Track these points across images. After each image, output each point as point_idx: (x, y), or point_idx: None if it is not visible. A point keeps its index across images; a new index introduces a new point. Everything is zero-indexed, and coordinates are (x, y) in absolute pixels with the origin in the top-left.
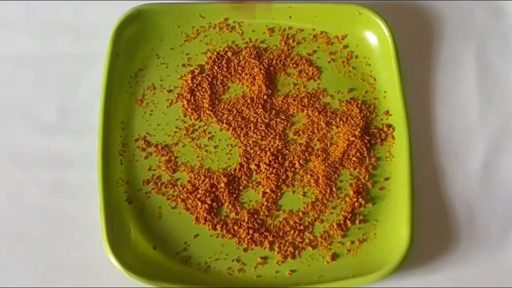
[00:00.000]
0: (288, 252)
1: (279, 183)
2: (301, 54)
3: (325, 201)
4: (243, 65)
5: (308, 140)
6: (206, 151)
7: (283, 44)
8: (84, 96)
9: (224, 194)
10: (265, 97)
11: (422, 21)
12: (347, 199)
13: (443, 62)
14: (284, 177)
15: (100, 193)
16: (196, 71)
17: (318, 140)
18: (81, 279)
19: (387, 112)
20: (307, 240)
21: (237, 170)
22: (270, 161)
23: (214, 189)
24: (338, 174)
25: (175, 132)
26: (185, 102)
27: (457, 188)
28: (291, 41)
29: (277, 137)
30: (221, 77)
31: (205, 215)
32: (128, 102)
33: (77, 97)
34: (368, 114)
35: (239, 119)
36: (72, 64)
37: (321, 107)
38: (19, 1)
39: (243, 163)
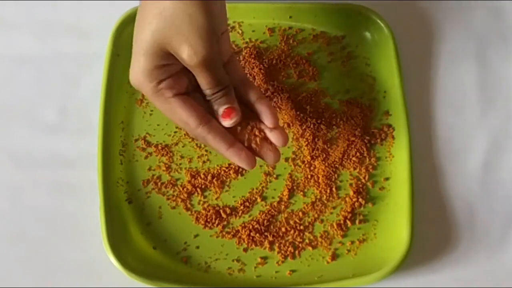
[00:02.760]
0: (288, 252)
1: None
2: (301, 54)
3: (325, 201)
4: (243, 65)
5: (308, 140)
6: (206, 151)
7: (283, 44)
8: (84, 96)
9: (224, 194)
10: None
11: (422, 21)
12: (347, 199)
13: (443, 62)
14: (284, 176)
15: (100, 193)
16: None
17: (318, 140)
18: (81, 279)
19: (387, 112)
20: (307, 240)
21: (237, 170)
22: None
23: (214, 189)
24: (338, 174)
25: (175, 132)
26: None
27: (457, 188)
28: (291, 41)
29: None
30: None
31: (204, 214)
32: (128, 102)
33: (77, 97)
34: (368, 114)
35: None
36: (72, 64)
37: (321, 107)
38: (19, 1)
39: None
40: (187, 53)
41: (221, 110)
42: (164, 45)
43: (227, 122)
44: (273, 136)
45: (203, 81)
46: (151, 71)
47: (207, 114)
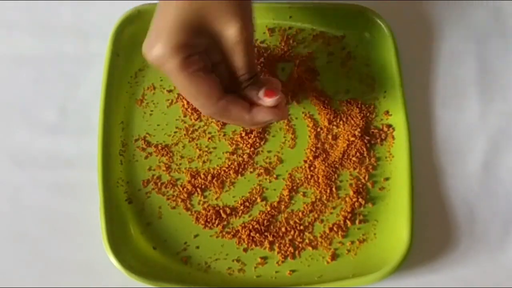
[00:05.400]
0: (288, 252)
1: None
2: (301, 54)
3: (325, 201)
4: None
5: (308, 140)
6: (206, 151)
7: (283, 44)
8: (84, 96)
9: (224, 194)
10: None
11: (422, 21)
12: (347, 199)
13: (443, 62)
14: (284, 176)
15: (100, 193)
16: None
17: (318, 140)
18: (81, 279)
19: (387, 112)
20: (307, 240)
21: (237, 170)
22: (270, 161)
23: (214, 189)
24: (338, 174)
25: (175, 132)
26: (185, 102)
27: (457, 188)
28: (291, 41)
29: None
30: None
31: (204, 214)
32: (128, 102)
33: (77, 97)
34: (368, 114)
35: None
36: (72, 64)
37: (321, 107)
38: (19, 1)
39: (242, 162)
40: (238, 28)
41: (261, 92)
42: (205, 21)
43: (271, 100)
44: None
45: (243, 62)
46: (182, 46)
47: (223, 89)
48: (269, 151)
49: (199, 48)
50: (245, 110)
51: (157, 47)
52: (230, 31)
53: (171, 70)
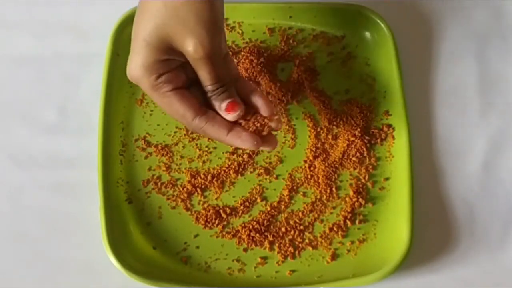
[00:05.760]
0: (288, 252)
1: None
2: (301, 54)
3: (325, 201)
4: (243, 65)
5: (308, 140)
6: (206, 151)
7: (283, 44)
8: (84, 96)
9: (224, 194)
10: None
11: (422, 21)
12: (347, 199)
13: (443, 62)
14: (284, 176)
15: (100, 193)
16: None
17: (318, 140)
18: (81, 279)
19: (387, 112)
20: (307, 240)
21: (237, 170)
22: (270, 161)
23: (214, 189)
24: (338, 174)
25: (175, 132)
26: None
27: (457, 188)
28: (291, 41)
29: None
30: None
31: (204, 214)
32: (128, 102)
33: (77, 97)
34: (368, 114)
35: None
36: (72, 64)
37: (321, 107)
38: (19, 1)
39: (242, 162)
40: (193, 45)
41: (223, 105)
42: (168, 39)
43: (230, 116)
44: (272, 123)
45: (206, 76)
46: (151, 65)
47: (203, 106)
48: (269, 151)
49: (173, 64)
50: (223, 132)
51: (131, 67)
52: (188, 48)
53: (146, 89)
